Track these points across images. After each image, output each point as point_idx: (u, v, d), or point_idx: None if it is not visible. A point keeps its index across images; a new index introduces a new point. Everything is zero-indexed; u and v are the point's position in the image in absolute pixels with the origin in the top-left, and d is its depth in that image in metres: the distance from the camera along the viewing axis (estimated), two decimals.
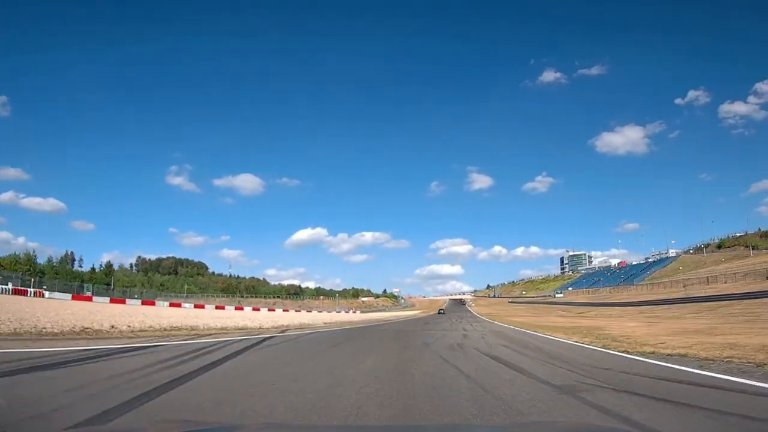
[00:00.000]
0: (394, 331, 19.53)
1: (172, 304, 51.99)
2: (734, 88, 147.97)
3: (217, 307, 57.08)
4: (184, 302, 60.61)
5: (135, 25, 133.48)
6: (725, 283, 51.22)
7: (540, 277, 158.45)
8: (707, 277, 58.01)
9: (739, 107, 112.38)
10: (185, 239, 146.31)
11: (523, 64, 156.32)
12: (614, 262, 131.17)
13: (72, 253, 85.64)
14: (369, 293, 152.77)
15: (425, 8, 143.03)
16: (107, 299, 49.13)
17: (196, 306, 55.63)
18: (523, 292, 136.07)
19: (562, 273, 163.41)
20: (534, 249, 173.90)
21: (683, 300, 41.16)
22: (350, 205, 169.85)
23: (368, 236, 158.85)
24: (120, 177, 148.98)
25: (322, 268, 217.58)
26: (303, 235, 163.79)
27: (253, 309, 58.91)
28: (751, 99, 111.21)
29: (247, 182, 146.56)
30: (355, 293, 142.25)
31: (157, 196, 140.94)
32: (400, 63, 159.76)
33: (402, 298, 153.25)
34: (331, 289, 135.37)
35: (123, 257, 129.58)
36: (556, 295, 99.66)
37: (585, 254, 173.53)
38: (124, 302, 47.53)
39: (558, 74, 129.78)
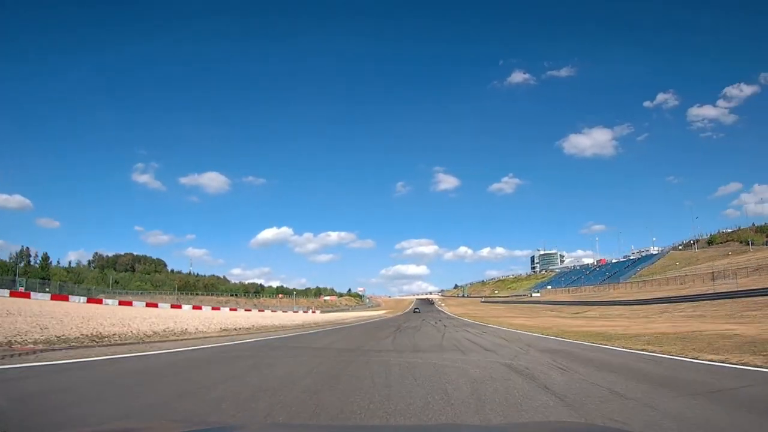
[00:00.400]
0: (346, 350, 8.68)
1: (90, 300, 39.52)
2: (704, 91, 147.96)
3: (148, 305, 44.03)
4: (107, 299, 47.22)
5: (102, 22, 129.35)
6: (740, 278, 43.90)
7: (511, 276, 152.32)
8: (711, 272, 50.97)
9: (708, 111, 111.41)
10: (151, 237, 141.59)
11: (492, 65, 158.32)
12: (588, 261, 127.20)
13: (27, 249, 78.45)
14: (332, 292, 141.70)
15: (393, 8, 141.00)
16: (48, 296, 37.88)
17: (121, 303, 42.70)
18: (496, 292, 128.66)
19: (533, 272, 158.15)
20: (500, 250, 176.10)
21: (716, 296, 32.79)
22: (316, 204, 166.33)
23: (334, 236, 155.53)
24: (85, 174, 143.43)
25: (288, 268, 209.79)
26: (268, 234, 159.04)
27: (172, 306, 46.09)
28: (721, 103, 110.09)
29: (213, 180, 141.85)
30: (317, 292, 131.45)
31: (123, 194, 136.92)
32: (367, 63, 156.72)
33: (367, 297, 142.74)
34: (294, 288, 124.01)
35: (88, 255, 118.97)
36: (533, 294, 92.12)
37: (557, 253, 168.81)
38: (66, 299, 38.30)
39: (527, 75, 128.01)
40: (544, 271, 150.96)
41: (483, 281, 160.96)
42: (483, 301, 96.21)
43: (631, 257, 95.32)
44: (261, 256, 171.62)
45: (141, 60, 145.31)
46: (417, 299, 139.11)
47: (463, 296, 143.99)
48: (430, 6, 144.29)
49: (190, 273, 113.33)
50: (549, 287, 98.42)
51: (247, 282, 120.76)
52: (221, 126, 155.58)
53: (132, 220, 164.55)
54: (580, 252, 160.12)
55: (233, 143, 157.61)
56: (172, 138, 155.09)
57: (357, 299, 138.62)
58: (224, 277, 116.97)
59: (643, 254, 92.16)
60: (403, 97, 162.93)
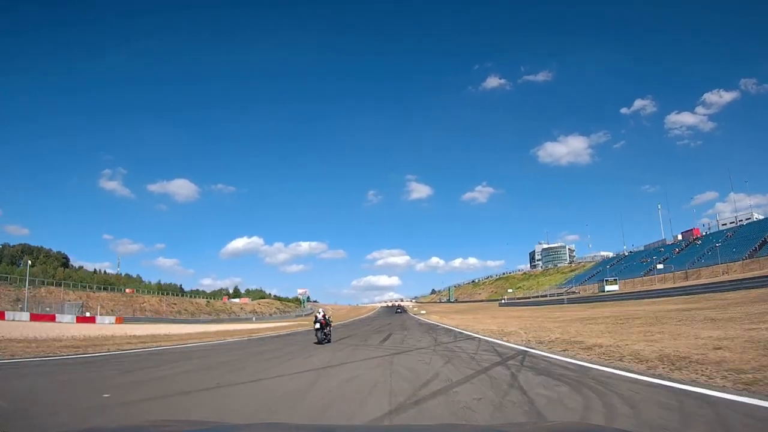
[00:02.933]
0: None
1: None
2: (682, 98, 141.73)
3: None
4: None
5: (67, 22, 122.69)
6: None
7: (519, 273, 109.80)
8: None
9: (686, 118, 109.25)
10: (120, 246, 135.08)
11: (466, 70, 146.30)
12: (607, 253, 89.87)
13: None
14: (252, 293, 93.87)
15: (364, 11, 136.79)
16: None
17: None
18: (510, 291, 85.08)
19: (533, 269, 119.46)
20: (472, 260, 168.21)
21: None
22: (286, 213, 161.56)
23: (305, 246, 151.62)
24: (52, 180, 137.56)
25: (259, 278, 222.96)
26: (239, 243, 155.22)
27: None
28: (699, 110, 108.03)
29: (182, 188, 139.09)
30: (218, 294, 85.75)
31: (91, 201, 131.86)
32: (338, 68, 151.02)
33: (310, 303, 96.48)
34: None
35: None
36: (607, 288, 48.69)
37: (565, 247, 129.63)
38: None
39: (502, 80, 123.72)
40: (550, 266, 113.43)
41: (474, 281, 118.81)
42: (504, 304, 51.63)
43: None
44: (231, 266, 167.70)
45: (104, 61, 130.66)
46: (382, 307, 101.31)
47: (449, 301, 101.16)
48: (402, 8, 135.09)
49: (118, 273, 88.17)
50: (612, 278, 54.36)
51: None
52: (189, 130, 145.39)
53: (100, 228, 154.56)
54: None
55: (202, 149, 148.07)
56: (139, 143, 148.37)
57: (285, 304, 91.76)
58: (138, 276, 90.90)
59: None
60: (374, 104, 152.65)
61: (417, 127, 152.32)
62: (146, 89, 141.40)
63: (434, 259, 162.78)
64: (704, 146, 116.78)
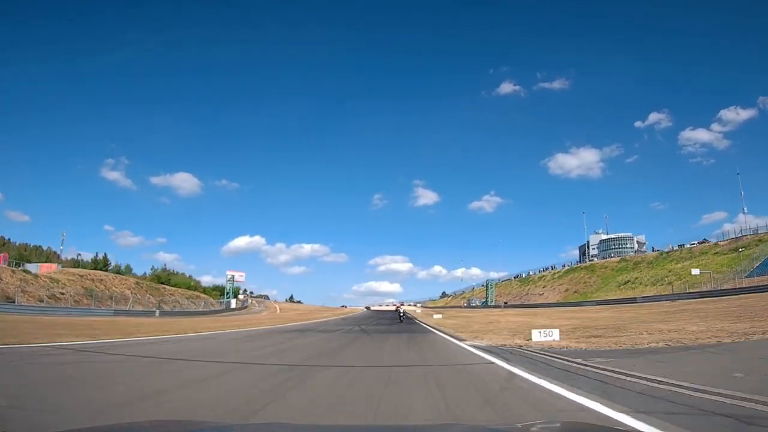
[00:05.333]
0: None
1: None
2: (698, 113, 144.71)
3: None
4: None
5: (77, 9, 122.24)
6: None
7: (599, 262, 73.94)
8: None
9: (701, 134, 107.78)
10: (120, 238, 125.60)
11: (481, 74, 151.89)
12: None
13: None
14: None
15: (378, 12, 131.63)
16: None
17: None
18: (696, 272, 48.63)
19: (581, 263, 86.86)
20: (475, 271, 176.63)
21: None
22: (289, 213, 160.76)
23: (307, 248, 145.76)
24: (55, 167, 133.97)
25: (260, 278, 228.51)
26: (241, 242, 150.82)
27: None
28: (715, 126, 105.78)
29: (185, 182, 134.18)
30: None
31: (92, 190, 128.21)
32: (349, 69, 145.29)
33: (245, 295, 61.83)
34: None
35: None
36: None
37: (632, 237, 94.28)
38: None
39: (517, 87, 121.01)
40: (613, 256, 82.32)
41: (519, 276, 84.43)
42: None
43: None
44: (232, 264, 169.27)
45: (109, 50, 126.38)
46: (372, 310, 76.54)
47: (486, 304, 68.90)
48: (417, 10, 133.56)
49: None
50: None
51: None
52: (193, 123, 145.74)
53: (102, 218, 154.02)
54: None
55: (206, 143, 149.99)
56: (143, 133, 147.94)
57: (210, 293, 57.40)
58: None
59: None
60: (385, 103, 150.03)
61: (427, 130, 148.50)
62: (152, 80, 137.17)
63: (437, 268, 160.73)
64: (717, 164, 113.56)
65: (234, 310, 56.28)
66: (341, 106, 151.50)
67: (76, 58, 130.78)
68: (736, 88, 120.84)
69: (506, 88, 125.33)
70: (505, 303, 63.34)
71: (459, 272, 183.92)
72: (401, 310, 37.32)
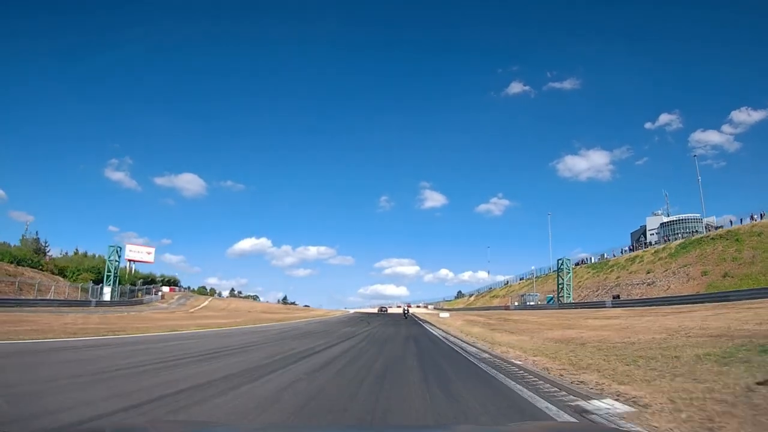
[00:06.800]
0: None
1: None
2: (709, 114, 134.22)
3: None
4: None
5: (80, 8, 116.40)
6: None
7: (745, 226, 50.96)
8: None
9: (711, 136, 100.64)
10: (125, 240, 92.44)
11: (489, 73, 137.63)
12: None
13: None
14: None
15: (384, 11, 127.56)
16: None
17: None
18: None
19: (634, 249, 64.33)
20: (482, 274, 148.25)
21: None
22: (295, 215, 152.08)
23: (313, 250, 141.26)
24: (58, 166, 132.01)
25: (265, 281, 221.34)
26: (246, 244, 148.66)
27: None
28: (726, 128, 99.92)
29: (190, 183, 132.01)
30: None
31: (96, 190, 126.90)
32: (355, 69, 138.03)
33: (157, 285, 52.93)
34: None
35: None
36: None
37: (700, 219, 74.10)
38: None
39: (526, 87, 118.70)
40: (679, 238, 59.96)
41: (585, 262, 65.87)
42: None
43: None
44: (238, 266, 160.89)
45: (114, 47, 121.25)
46: (363, 313, 59.54)
47: (558, 302, 53.64)
48: (424, 8, 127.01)
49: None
50: None
51: None
52: (198, 123, 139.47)
53: (106, 219, 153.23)
54: None
55: (211, 143, 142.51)
56: (147, 133, 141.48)
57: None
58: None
59: None
60: (391, 103, 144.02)
61: (434, 130, 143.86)
62: (156, 79, 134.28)
63: (443, 271, 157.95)
64: (726, 168, 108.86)
65: (108, 303, 37.28)
66: (348, 106, 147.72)
67: (80, 57, 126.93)
68: (748, 88, 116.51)
69: (515, 87, 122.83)
70: (615, 297, 41.97)
71: (466, 276, 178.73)
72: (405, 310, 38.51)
